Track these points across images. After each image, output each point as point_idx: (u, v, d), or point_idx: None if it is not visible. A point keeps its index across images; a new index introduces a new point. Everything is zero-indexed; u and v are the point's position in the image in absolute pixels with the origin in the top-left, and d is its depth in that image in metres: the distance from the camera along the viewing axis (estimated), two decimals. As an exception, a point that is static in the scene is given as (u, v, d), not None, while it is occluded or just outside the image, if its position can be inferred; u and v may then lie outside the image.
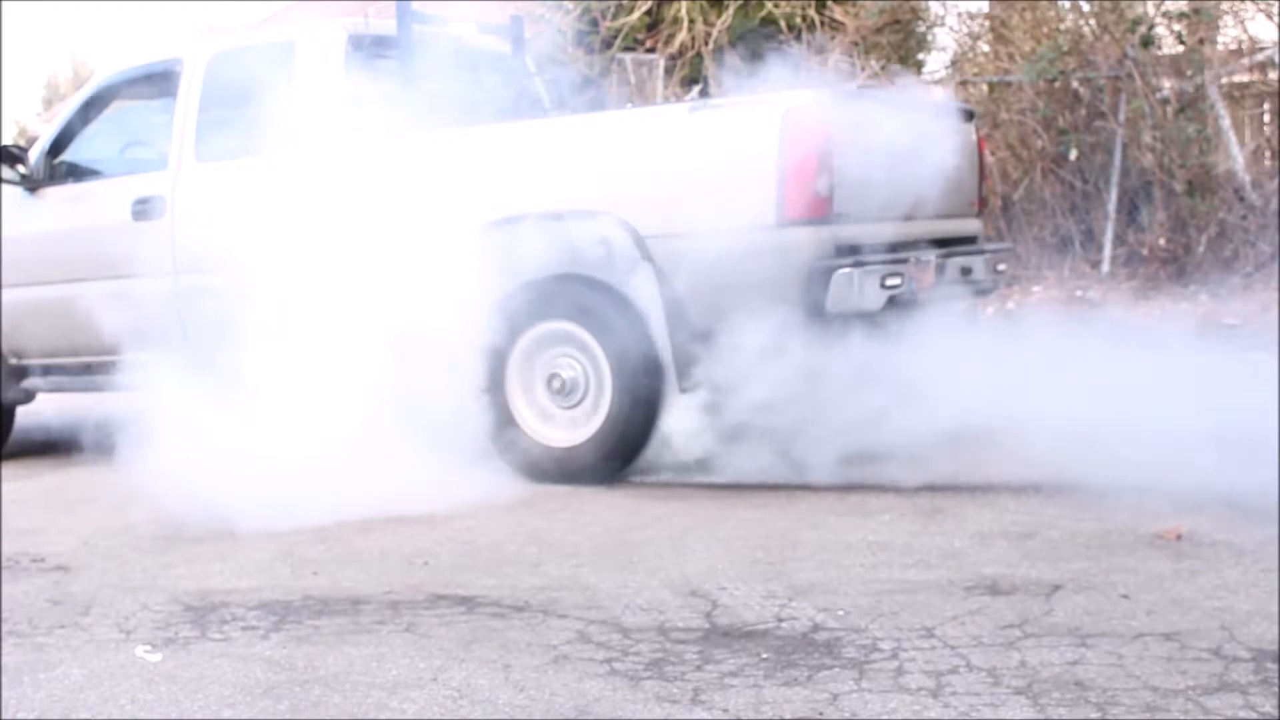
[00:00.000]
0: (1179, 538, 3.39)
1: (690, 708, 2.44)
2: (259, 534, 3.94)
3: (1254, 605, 2.84)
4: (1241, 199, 8.57)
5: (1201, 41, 8.91)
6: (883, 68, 9.73)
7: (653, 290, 4.44)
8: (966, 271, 4.85)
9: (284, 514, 4.02)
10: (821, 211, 4.31)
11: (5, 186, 5.81)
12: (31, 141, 6.93)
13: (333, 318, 4.49)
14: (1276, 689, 2.37)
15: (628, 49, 10.74)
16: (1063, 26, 9.43)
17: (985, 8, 10.40)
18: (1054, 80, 9.07)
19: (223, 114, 5.31)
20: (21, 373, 5.93)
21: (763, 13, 10.76)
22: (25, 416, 6.37)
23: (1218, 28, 9.20)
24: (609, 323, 4.52)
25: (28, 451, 6.20)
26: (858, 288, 4.25)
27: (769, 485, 4.35)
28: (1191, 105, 8.83)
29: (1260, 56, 9.07)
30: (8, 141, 6.63)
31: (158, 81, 5.69)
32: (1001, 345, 4.61)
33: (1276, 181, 8.47)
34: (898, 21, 10.54)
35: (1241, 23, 9.16)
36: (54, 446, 6.09)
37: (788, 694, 2.48)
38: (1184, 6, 9.05)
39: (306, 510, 4.05)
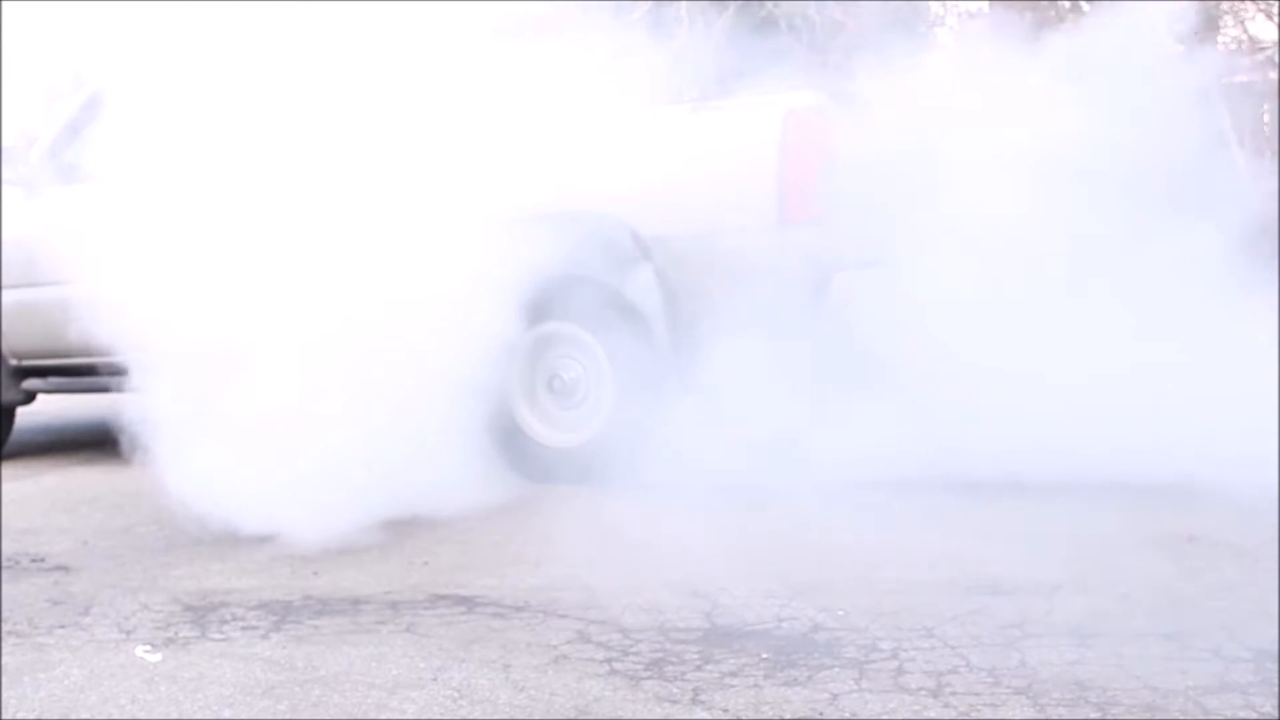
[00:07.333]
0: (1190, 539, 3.39)
1: (690, 708, 2.44)
2: (259, 534, 3.94)
3: (1254, 605, 2.84)
4: (1241, 199, 8.56)
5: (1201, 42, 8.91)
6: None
7: (653, 291, 4.44)
8: None
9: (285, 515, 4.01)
10: (823, 213, 4.31)
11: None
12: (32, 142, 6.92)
13: (330, 316, 4.48)
14: (1276, 689, 2.37)
15: None
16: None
17: (985, 8, 10.39)
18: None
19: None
20: (22, 373, 5.92)
21: (763, 13, 10.76)
22: (25, 416, 6.37)
23: (1218, 28, 9.19)
24: (609, 323, 4.52)
25: (28, 451, 6.20)
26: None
27: (769, 485, 4.34)
28: (1192, 105, 8.82)
29: (1260, 56, 9.06)
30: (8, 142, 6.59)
31: None
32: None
33: (1277, 181, 8.46)
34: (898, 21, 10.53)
35: (1241, 23, 9.16)
36: (54, 446, 6.09)
37: (788, 694, 2.48)
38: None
39: (307, 511, 4.04)
